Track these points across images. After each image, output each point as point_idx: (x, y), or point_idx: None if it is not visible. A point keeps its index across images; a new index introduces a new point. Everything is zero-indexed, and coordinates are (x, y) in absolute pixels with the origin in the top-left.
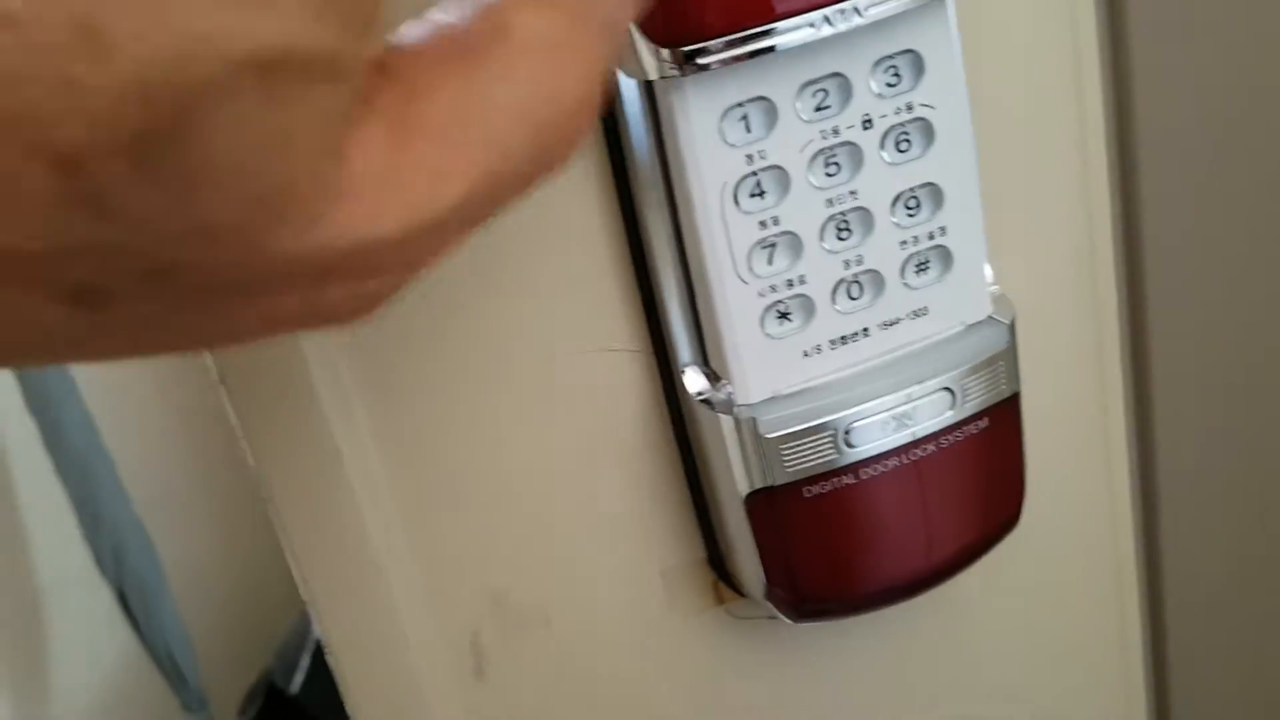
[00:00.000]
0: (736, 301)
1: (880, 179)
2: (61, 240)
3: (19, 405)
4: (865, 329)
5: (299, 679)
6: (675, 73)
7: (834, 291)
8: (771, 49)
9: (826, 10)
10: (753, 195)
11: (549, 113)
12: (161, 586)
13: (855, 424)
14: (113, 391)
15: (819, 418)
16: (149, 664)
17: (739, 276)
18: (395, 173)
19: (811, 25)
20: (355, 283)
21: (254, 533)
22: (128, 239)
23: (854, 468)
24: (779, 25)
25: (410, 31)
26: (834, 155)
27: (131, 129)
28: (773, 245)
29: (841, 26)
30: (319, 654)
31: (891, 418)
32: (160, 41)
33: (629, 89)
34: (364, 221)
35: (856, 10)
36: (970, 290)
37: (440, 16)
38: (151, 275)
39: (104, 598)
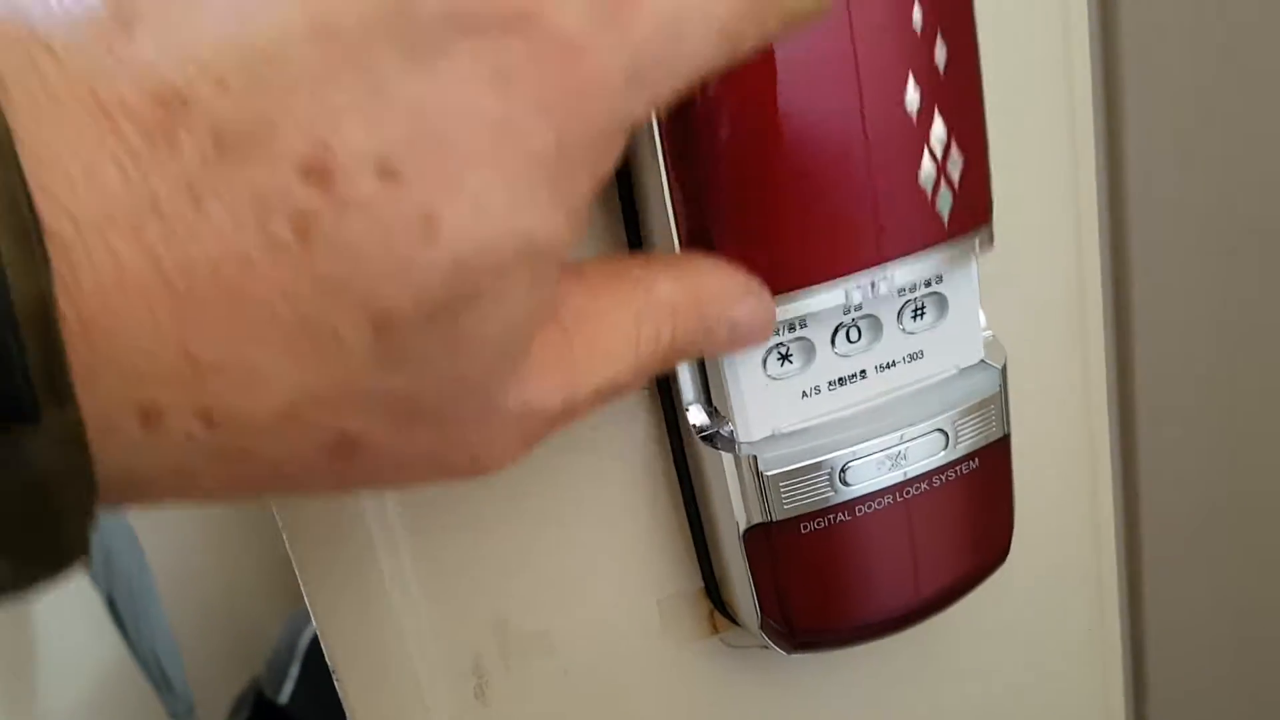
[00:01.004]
0: None
1: None
2: (353, 384)
3: None
4: (863, 371)
5: (288, 688)
6: None
7: (834, 335)
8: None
9: (858, 279)
10: None
11: (656, 353)
12: (150, 593)
13: (851, 463)
14: None
15: (816, 456)
16: (136, 670)
17: None
18: (562, 363)
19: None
20: (512, 447)
21: (244, 541)
22: (402, 386)
23: (849, 505)
24: (811, 289)
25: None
26: None
27: (440, 298)
28: None
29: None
30: (308, 664)
31: (886, 457)
32: (478, 233)
33: None
34: (545, 394)
35: (888, 279)
36: (964, 335)
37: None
38: (403, 420)
39: (93, 603)
